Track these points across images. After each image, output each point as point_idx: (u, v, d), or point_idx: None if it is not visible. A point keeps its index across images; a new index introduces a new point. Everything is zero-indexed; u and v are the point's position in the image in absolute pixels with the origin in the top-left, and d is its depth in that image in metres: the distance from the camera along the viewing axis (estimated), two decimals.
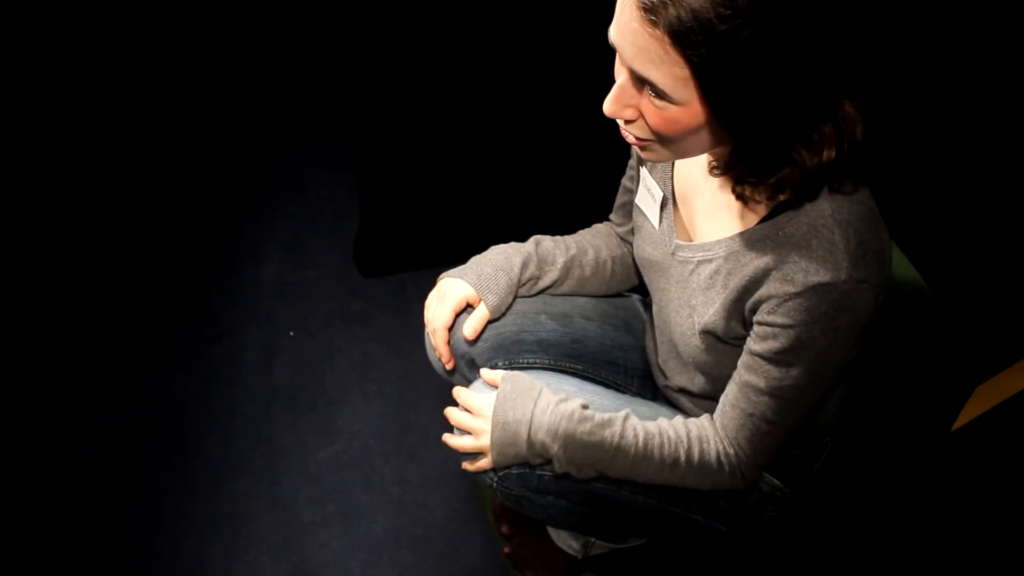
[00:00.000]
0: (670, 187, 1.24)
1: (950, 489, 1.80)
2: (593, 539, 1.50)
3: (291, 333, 2.12)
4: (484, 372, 1.29)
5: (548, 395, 1.20)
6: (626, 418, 1.19)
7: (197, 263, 2.26)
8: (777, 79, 0.91)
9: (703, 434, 1.19)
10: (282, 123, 2.57)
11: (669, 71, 0.93)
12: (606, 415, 1.19)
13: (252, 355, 2.08)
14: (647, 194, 1.28)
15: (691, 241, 1.20)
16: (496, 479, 1.25)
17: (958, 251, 2.15)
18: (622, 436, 1.18)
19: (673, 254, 1.22)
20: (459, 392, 1.29)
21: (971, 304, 1.94)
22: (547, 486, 1.25)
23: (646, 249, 1.30)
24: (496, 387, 1.25)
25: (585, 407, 1.19)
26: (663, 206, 1.25)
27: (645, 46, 0.93)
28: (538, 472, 1.24)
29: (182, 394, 2.02)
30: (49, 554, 1.78)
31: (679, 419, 1.22)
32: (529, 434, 1.18)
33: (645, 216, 1.29)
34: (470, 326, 1.35)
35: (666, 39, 0.91)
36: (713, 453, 1.19)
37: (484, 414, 1.22)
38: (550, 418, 1.17)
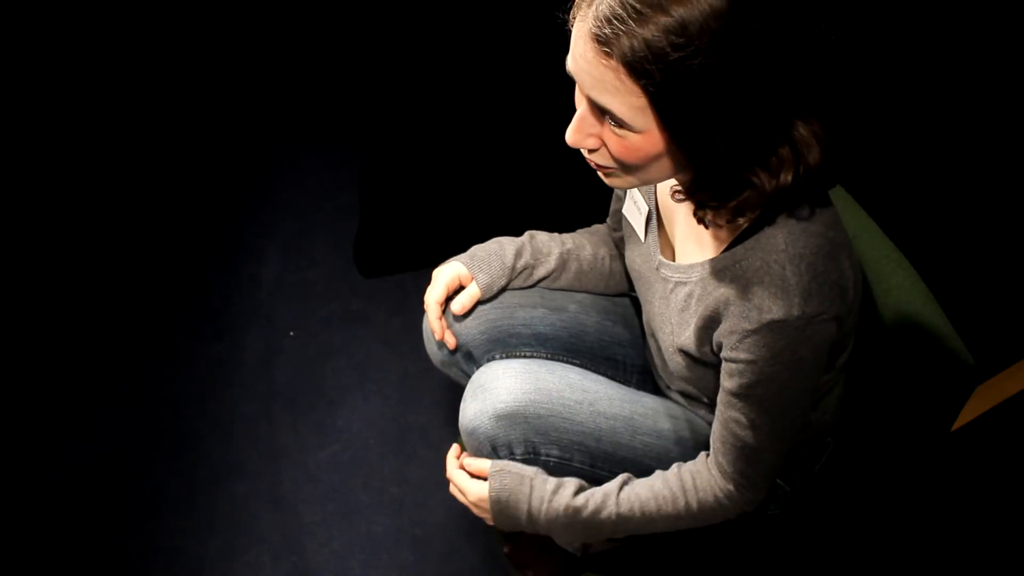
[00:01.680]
0: (654, 202, 1.25)
1: (950, 489, 1.80)
2: None
3: (291, 333, 2.12)
4: (468, 462, 1.29)
5: (539, 490, 1.22)
6: (620, 490, 1.21)
7: (197, 263, 2.26)
8: (732, 103, 0.92)
9: (698, 482, 1.21)
10: (282, 123, 2.58)
11: (626, 100, 0.93)
12: (599, 496, 1.21)
13: (252, 355, 2.08)
14: (633, 206, 1.28)
15: (673, 260, 1.21)
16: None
17: (958, 251, 2.15)
18: (619, 514, 1.21)
19: (657, 269, 1.23)
20: (454, 478, 1.31)
21: (971, 304, 1.94)
22: None
23: (635, 260, 1.30)
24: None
25: (579, 491, 1.22)
26: (648, 220, 1.26)
27: (601, 76, 0.93)
28: (542, 460, 1.25)
29: (182, 394, 2.01)
30: (49, 554, 1.78)
31: (674, 472, 1.23)
32: (528, 525, 1.24)
33: (632, 227, 1.30)
34: (458, 302, 1.37)
35: (621, 69, 0.91)
36: (711, 498, 1.20)
37: (482, 505, 1.27)
38: (546, 517, 1.22)
